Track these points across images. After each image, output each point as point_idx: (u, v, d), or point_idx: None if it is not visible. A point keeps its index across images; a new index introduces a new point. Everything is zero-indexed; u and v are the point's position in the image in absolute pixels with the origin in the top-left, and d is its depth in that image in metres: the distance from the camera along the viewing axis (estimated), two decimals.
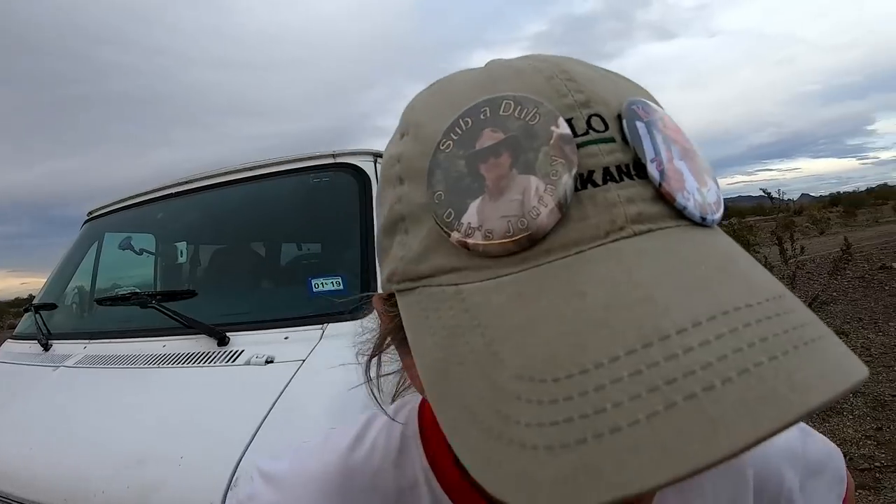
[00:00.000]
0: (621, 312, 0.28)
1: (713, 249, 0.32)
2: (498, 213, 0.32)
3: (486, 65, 0.40)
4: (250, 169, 2.31)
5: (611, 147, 0.33)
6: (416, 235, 0.36)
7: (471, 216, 0.32)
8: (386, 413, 0.54)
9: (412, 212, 0.36)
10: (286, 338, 1.68)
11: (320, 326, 1.72)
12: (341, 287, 1.94)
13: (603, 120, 0.33)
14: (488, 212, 0.32)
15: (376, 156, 2.40)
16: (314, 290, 1.90)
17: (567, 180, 0.31)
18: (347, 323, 1.76)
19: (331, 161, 2.30)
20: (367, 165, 2.31)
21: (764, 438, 0.22)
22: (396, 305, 0.38)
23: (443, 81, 0.41)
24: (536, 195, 0.31)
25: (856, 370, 0.26)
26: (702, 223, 0.34)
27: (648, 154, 0.33)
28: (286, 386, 1.40)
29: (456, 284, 0.33)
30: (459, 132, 0.34)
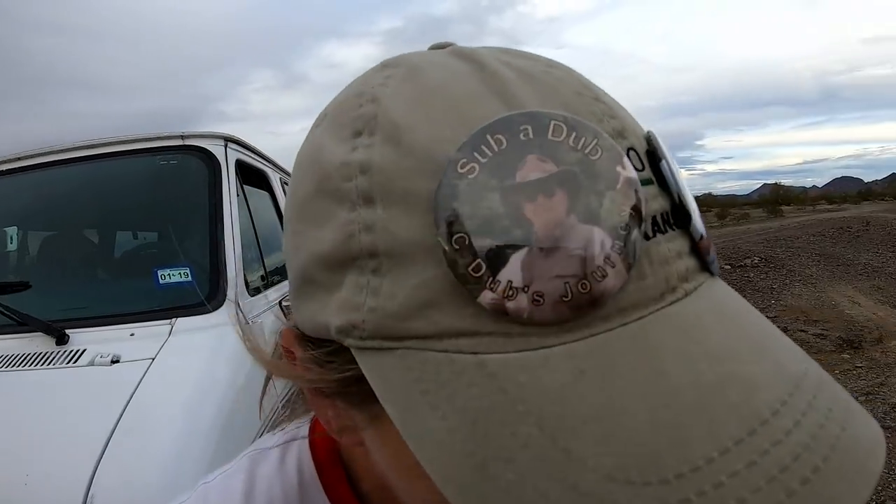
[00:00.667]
0: (714, 395, 0.24)
1: (739, 303, 0.30)
2: (552, 272, 0.25)
3: (458, 54, 0.33)
4: (90, 147, 2.16)
5: (653, 191, 0.28)
6: (402, 281, 0.27)
7: (513, 272, 0.25)
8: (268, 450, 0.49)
9: (397, 249, 0.27)
10: (132, 334, 1.61)
11: (168, 321, 1.67)
12: (189, 278, 1.88)
13: (639, 156, 0.29)
14: (539, 269, 0.25)
15: (227, 140, 2.32)
16: (160, 281, 1.83)
17: (637, 236, 0.26)
18: (198, 317, 1.72)
19: (179, 143, 2.20)
20: (217, 150, 2.23)
21: (869, 493, 0.23)
22: (338, 356, 0.31)
23: (417, 71, 0.32)
24: (602, 252, 0.25)
25: (875, 425, 0.27)
26: (711, 274, 0.30)
27: (684, 196, 0.29)
28: (136, 388, 1.35)
29: (475, 353, 0.26)
30: (489, 153, 0.26)
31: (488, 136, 0.26)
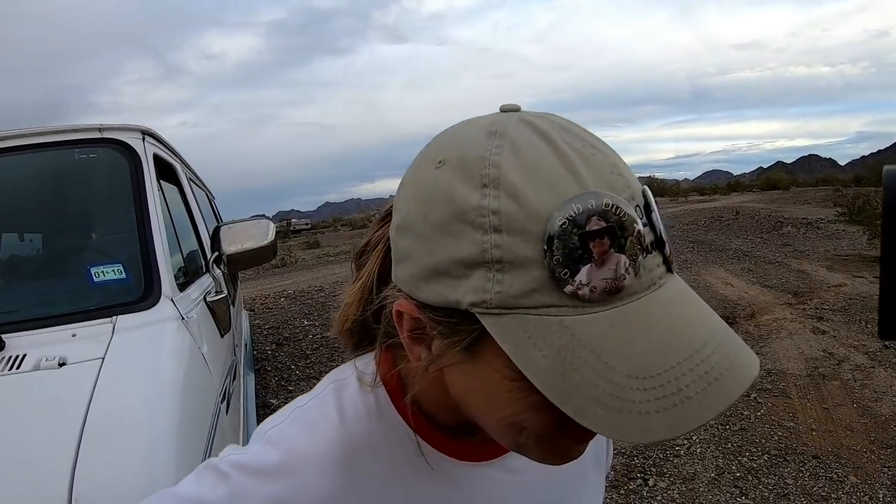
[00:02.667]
0: (676, 336, 0.47)
1: (684, 288, 0.52)
2: (600, 276, 0.46)
3: (537, 132, 0.51)
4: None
5: (647, 230, 0.49)
6: (518, 277, 0.47)
7: (582, 276, 0.46)
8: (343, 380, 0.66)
9: (516, 260, 0.47)
10: (73, 335, 1.56)
11: (109, 320, 1.63)
12: (124, 275, 1.83)
13: (641, 209, 0.49)
14: (594, 275, 0.46)
15: (145, 133, 2.25)
16: (95, 279, 1.77)
17: (641, 260, 0.48)
18: (138, 314, 1.69)
19: (97, 136, 2.13)
20: (136, 143, 2.18)
21: (742, 392, 0.46)
22: (455, 318, 0.51)
23: (518, 149, 0.50)
24: (624, 267, 0.47)
25: (754, 358, 0.49)
26: (671, 272, 0.52)
27: (661, 232, 0.50)
28: (93, 390, 1.30)
29: (557, 316, 0.46)
30: (573, 215, 0.46)
31: (573, 205, 0.46)
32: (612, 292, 0.47)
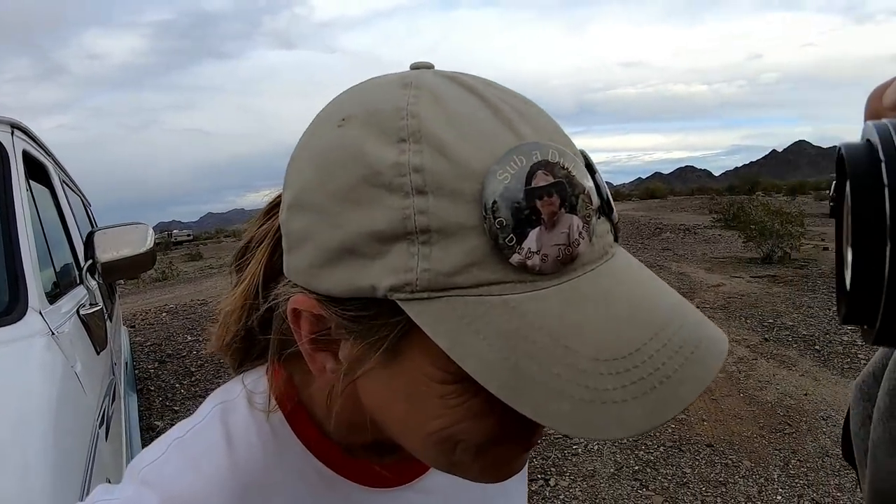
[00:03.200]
0: (640, 309, 0.40)
1: (632, 258, 0.46)
2: (552, 242, 0.39)
3: (461, 84, 0.44)
4: None
5: (593, 194, 0.42)
6: (450, 249, 0.38)
7: (530, 242, 0.38)
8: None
9: (447, 227, 0.38)
10: None
11: None
12: None
13: (585, 173, 0.42)
14: (545, 240, 0.38)
15: (14, 126, 2.04)
16: None
17: (595, 221, 0.41)
18: (4, 329, 1.52)
19: None
20: (4, 137, 1.98)
21: (720, 368, 0.40)
22: (368, 309, 0.42)
23: (439, 98, 0.42)
24: (577, 230, 0.40)
25: (719, 330, 0.43)
26: (617, 242, 0.46)
27: (611, 200, 0.44)
28: None
29: (500, 295, 0.38)
30: (515, 167, 0.38)
31: (514, 156, 0.39)
32: (566, 261, 0.40)
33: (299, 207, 0.44)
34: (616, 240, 0.45)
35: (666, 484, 3.71)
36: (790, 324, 6.83)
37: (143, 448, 0.55)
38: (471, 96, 0.42)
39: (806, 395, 4.83)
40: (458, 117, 0.41)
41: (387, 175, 0.39)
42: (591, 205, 0.41)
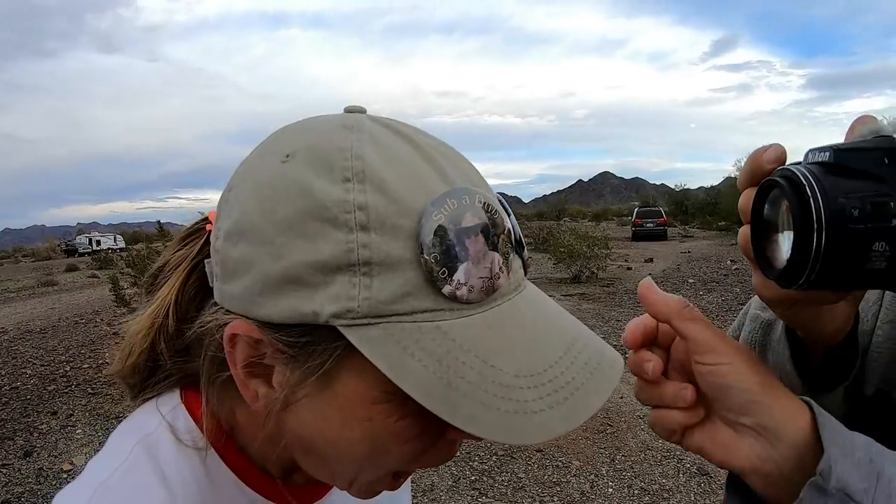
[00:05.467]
0: (549, 332, 0.48)
1: (539, 292, 0.52)
2: (477, 275, 0.44)
3: (394, 131, 0.48)
4: None
5: (511, 233, 0.48)
6: (389, 280, 0.42)
7: (460, 275, 0.43)
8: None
9: (387, 260, 0.42)
10: None
11: None
12: None
13: (504, 216, 0.48)
14: (472, 273, 0.43)
15: None
16: None
17: (513, 258, 0.47)
18: None
19: None
20: None
21: (619, 379, 0.47)
22: (309, 336, 0.44)
23: (378, 141, 0.46)
24: (498, 265, 0.45)
25: (618, 356, 0.50)
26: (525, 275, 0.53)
27: (517, 235, 0.50)
28: None
29: (434, 322, 0.43)
30: (448, 210, 0.43)
31: (448, 199, 0.43)
32: (489, 292, 0.45)
33: (239, 236, 0.45)
34: (525, 274, 0.51)
35: (503, 490, 3.82)
36: (601, 336, 7.37)
37: None
38: (405, 143, 0.47)
39: (622, 397, 5.23)
40: (396, 161, 0.45)
41: (332, 211, 0.42)
42: (509, 243, 0.46)
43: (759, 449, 0.48)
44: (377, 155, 0.44)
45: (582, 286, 12.36)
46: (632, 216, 33.22)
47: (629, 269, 15.46)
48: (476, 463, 4.19)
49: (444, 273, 0.42)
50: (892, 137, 0.48)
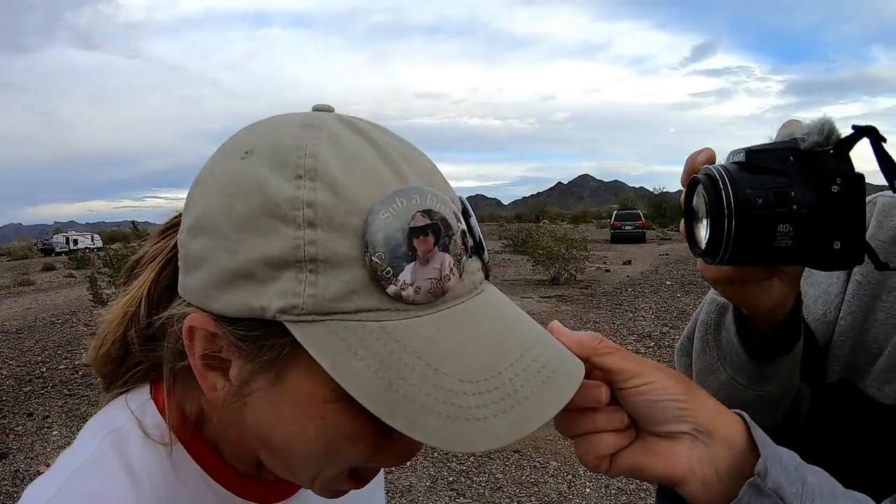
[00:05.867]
0: (503, 338, 0.47)
1: (501, 294, 0.52)
2: (425, 276, 0.43)
3: (354, 130, 0.48)
4: None
5: (466, 235, 0.48)
6: (334, 278, 0.42)
7: (406, 275, 0.43)
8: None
9: (332, 258, 0.42)
10: None
11: None
12: None
13: (459, 217, 0.48)
14: (419, 274, 0.43)
15: None
16: None
17: (465, 260, 0.47)
18: None
19: None
20: None
21: (577, 389, 0.45)
22: (259, 331, 0.44)
23: (337, 140, 0.46)
24: (449, 267, 0.45)
25: (579, 364, 0.49)
26: (488, 279, 0.53)
27: (478, 238, 0.50)
28: None
29: (378, 322, 0.43)
30: (397, 208, 0.43)
31: (396, 198, 0.43)
32: (437, 294, 0.45)
33: (199, 230, 0.46)
34: (487, 277, 0.51)
35: (481, 490, 3.86)
36: None
37: None
38: (364, 141, 0.47)
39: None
40: (350, 159, 0.45)
41: (283, 207, 0.43)
42: (463, 245, 0.46)
43: (697, 452, 0.50)
44: (332, 153, 0.45)
45: (560, 288, 12.43)
46: (611, 219, 33.36)
47: (608, 271, 15.57)
48: (454, 463, 4.22)
49: (388, 272, 0.42)
50: (796, 139, 0.58)
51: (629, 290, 12.02)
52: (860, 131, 0.57)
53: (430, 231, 0.44)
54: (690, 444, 0.50)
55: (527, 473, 4.06)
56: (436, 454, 4.36)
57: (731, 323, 0.73)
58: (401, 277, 0.42)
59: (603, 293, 11.55)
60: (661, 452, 0.51)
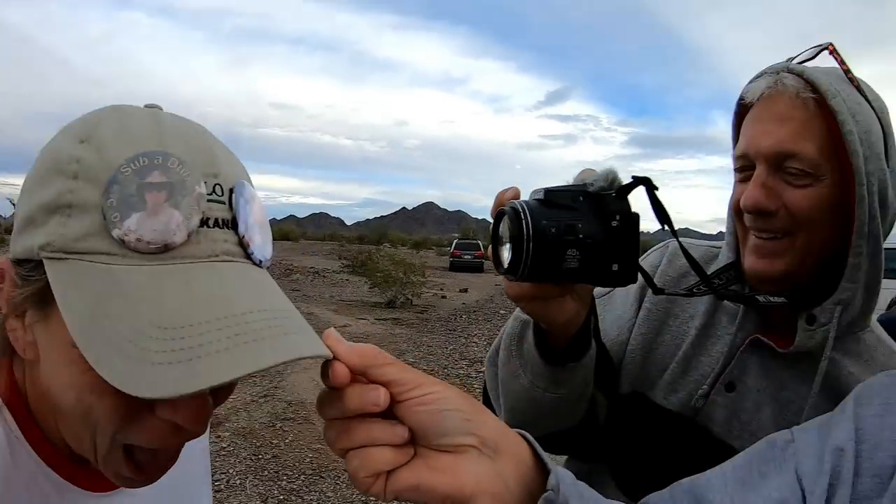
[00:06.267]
0: (216, 299, 0.48)
1: (262, 278, 0.54)
2: (150, 227, 0.48)
3: (160, 116, 0.54)
4: None
5: (221, 207, 0.52)
6: (79, 221, 0.48)
7: (131, 223, 0.47)
8: None
9: (81, 204, 0.48)
10: None
11: None
12: None
13: (222, 188, 0.52)
14: (144, 224, 0.47)
15: None
16: None
17: (195, 221, 0.49)
18: None
19: None
20: None
21: (280, 362, 0.44)
22: (36, 271, 0.49)
23: (129, 114, 0.53)
24: (175, 223, 0.48)
25: (323, 347, 0.47)
26: (259, 265, 0.55)
27: (241, 217, 0.53)
28: None
29: (107, 264, 0.47)
30: (138, 165, 0.48)
31: (140, 157, 0.49)
32: (160, 247, 0.48)
33: (21, 192, 0.54)
34: (249, 258, 0.53)
35: None
36: (412, 360, 7.56)
37: None
38: (151, 117, 0.53)
39: None
40: (125, 126, 0.52)
41: (62, 163, 0.50)
42: (198, 208, 0.49)
43: (484, 465, 0.48)
44: (114, 122, 0.52)
45: (396, 311, 12.61)
46: (451, 247, 33.90)
47: (444, 297, 15.95)
48: (284, 482, 4.18)
49: (116, 217, 0.47)
50: (587, 183, 0.70)
51: (464, 316, 12.42)
52: (637, 180, 0.72)
53: (164, 189, 0.48)
54: (476, 458, 0.48)
55: (356, 493, 4.08)
56: (266, 472, 4.30)
57: (531, 335, 0.84)
58: (126, 224, 0.47)
59: (438, 318, 11.86)
60: (444, 468, 0.47)
